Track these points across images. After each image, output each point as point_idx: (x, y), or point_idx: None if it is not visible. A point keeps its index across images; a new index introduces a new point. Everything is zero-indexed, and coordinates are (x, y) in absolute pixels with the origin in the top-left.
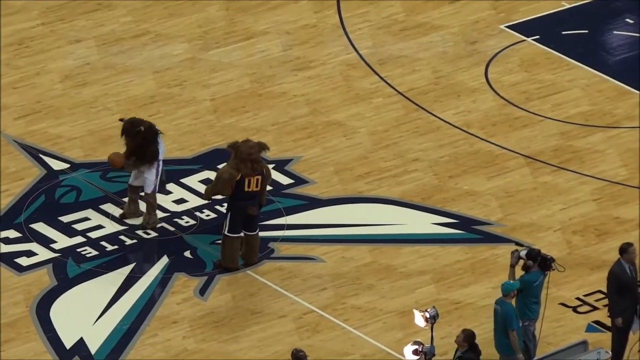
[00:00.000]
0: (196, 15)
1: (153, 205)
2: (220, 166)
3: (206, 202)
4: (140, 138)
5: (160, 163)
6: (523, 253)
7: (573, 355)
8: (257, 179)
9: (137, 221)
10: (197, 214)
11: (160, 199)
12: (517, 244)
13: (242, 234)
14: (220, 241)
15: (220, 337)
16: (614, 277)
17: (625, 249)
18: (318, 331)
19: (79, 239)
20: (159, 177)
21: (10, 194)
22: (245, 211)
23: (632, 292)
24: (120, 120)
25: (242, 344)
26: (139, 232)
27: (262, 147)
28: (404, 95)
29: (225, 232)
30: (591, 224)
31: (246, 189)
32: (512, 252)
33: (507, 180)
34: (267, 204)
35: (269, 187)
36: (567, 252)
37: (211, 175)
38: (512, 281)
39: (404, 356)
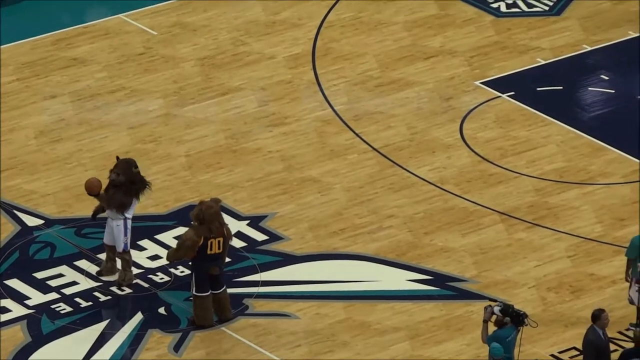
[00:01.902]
0: (171, 71)
1: (128, 262)
2: (183, 230)
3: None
4: (133, 177)
5: (129, 222)
6: (497, 309)
7: None
8: (219, 241)
9: (113, 278)
10: (172, 270)
11: (135, 255)
12: (491, 300)
13: (210, 293)
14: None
15: None
16: (590, 345)
17: (597, 316)
18: None
19: (53, 295)
20: (128, 234)
21: None
22: (208, 272)
23: (608, 357)
24: (117, 158)
25: None
26: (113, 288)
27: (218, 202)
28: (378, 152)
29: (194, 293)
30: (566, 280)
31: (209, 251)
32: (486, 308)
33: (481, 237)
34: (242, 261)
35: (243, 244)
36: (541, 308)
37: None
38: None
39: None
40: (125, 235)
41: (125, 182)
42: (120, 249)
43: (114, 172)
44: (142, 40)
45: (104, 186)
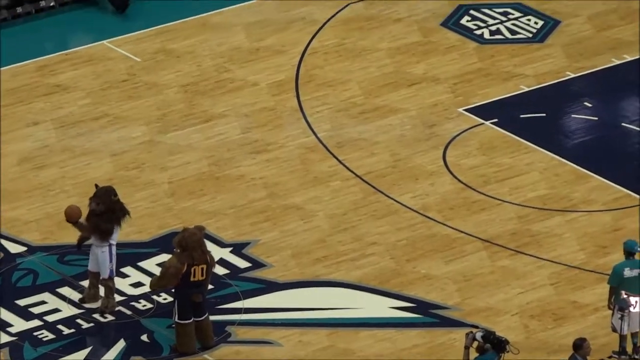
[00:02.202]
0: (154, 97)
1: (112, 289)
2: (166, 257)
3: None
4: (113, 206)
5: (114, 248)
6: (478, 335)
7: None
8: (203, 268)
9: (96, 305)
10: (154, 297)
11: (118, 283)
12: (473, 326)
13: (192, 320)
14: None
15: None
16: None
17: (579, 345)
18: None
19: (36, 323)
20: (113, 261)
21: None
22: (191, 299)
23: None
24: (95, 186)
25: None
26: (96, 315)
27: (201, 229)
28: (362, 179)
29: (176, 320)
30: (548, 308)
31: (192, 279)
32: (467, 334)
33: (464, 264)
34: (225, 288)
35: (226, 271)
36: (524, 336)
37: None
38: None
39: None
40: (111, 261)
41: (106, 211)
42: (105, 275)
43: (93, 201)
44: (125, 66)
45: (84, 214)
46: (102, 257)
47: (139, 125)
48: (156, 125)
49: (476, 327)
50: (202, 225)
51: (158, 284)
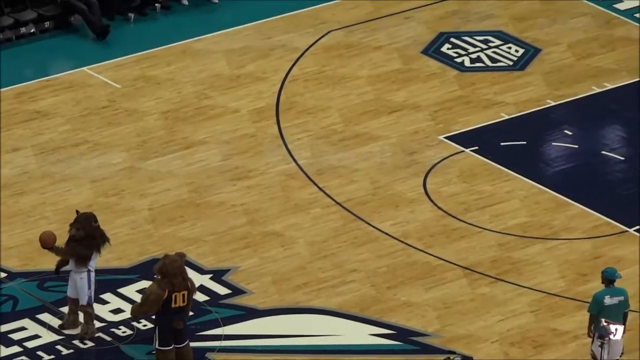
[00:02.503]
0: (134, 124)
1: (91, 316)
2: (147, 284)
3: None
4: (93, 232)
5: (92, 274)
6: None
7: None
8: (184, 294)
9: (75, 331)
10: (134, 323)
11: (98, 309)
12: (450, 352)
13: (173, 346)
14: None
15: None
16: None
17: None
18: None
19: (16, 349)
20: (92, 287)
21: None
22: (171, 325)
23: None
24: (76, 212)
25: None
26: (76, 342)
27: (182, 256)
28: (342, 206)
29: (157, 347)
30: (529, 335)
31: (173, 305)
32: None
33: (444, 292)
34: (205, 314)
35: (206, 297)
36: None
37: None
38: None
39: None
40: (89, 287)
41: (85, 237)
42: (84, 301)
43: (73, 227)
44: (105, 93)
45: (65, 239)
46: (80, 283)
47: (119, 151)
48: (136, 152)
49: (454, 353)
50: (183, 252)
51: (139, 311)
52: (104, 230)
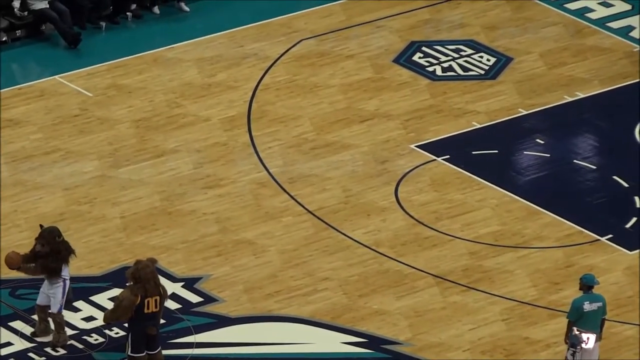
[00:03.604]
0: (106, 132)
1: (61, 324)
2: (118, 292)
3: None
4: (58, 247)
5: (67, 282)
6: None
7: None
8: (156, 300)
9: (48, 339)
10: (106, 331)
11: (69, 317)
12: None
13: (145, 353)
14: None
15: None
16: None
17: None
18: None
19: None
20: (65, 296)
21: None
22: (145, 331)
23: None
24: (40, 226)
25: None
26: (48, 349)
27: (154, 262)
28: (313, 214)
29: (129, 353)
30: (500, 344)
31: (146, 310)
32: None
33: (416, 300)
34: (177, 322)
35: (178, 305)
36: None
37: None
38: None
39: None
40: (63, 296)
41: (51, 252)
42: (55, 309)
43: (38, 243)
44: (77, 101)
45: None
46: (56, 291)
47: (91, 160)
48: (108, 160)
49: None
50: (154, 258)
51: (111, 317)
52: (68, 242)
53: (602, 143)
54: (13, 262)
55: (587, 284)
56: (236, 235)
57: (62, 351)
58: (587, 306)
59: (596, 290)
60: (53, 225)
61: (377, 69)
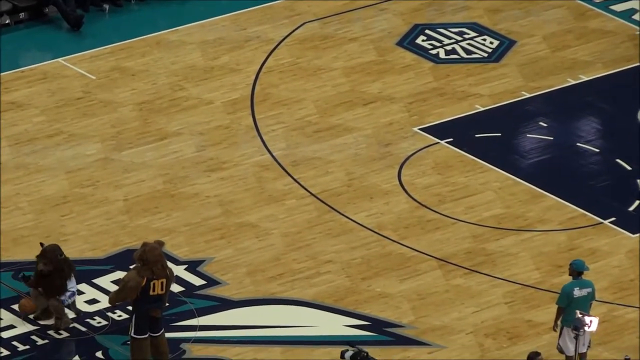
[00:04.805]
0: (109, 115)
1: (60, 309)
2: (122, 275)
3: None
4: (61, 265)
5: (75, 293)
6: (347, 354)
7: None
8: (162, 282)
9: (50, 322)
10: (109, 314)
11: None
12: (349, 344)
13: (148, 335)
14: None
15: None
16: None
17: (533, 359)
18: None
19: None
20: (72, 301)
21: None
22: (149, 313)
23: None
24: (41, 244)
25: None
26: (51, 332)
27: (161, 244)
28: (316, 197)
29: (132, 335)
30: (503, 327)
31: (151, 292)
32: (342, 352)
33: (419, 283)
34: (180, 305)
35: (181, 288)
36: (479, 355)
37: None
38: None
39: None
40: (72, 297)
41: (54, 270)
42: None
43: (41, 262)
44: (80, 84)
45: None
46: (65, 298)
47: (94, 142)
48: (111, 143)
49: (353, 345)
50: (162, 240)
51: (117, 297)
52: (69, 258)
53: (605, 126)
54: (28, 308)
55: (576, 270)
56: (239, 218)
57: (65, 334)
58: (577, 292)
59: (598, 274)
60: (54, 243)
61: (381, 52)
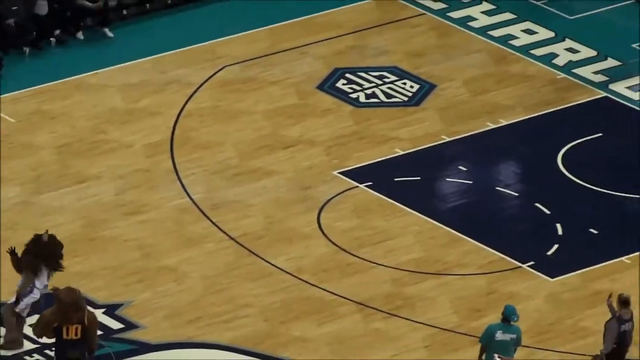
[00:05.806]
0: (29, 158)
1: (13, 323)
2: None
3: (35, 346)
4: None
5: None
6: None
7: None
8: (77, 328)
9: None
10: (27, 358)
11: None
12: None
13: None
14: None
15: None
16: None
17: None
18: None
19: None
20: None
21: None
22: (66, 356)
23: None
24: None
25: None
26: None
27: (77, 291)
28: (235, 241)
29: None
30: None
31: (64, 336)
32: None
33: (338, 327)
34: (98, 349)
35: (99, 332)
36: None
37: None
38: None
39: None
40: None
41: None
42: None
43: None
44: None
45: None
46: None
47: (14, 185)
48: (31, 186)
49: None
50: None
51: (34, 332)
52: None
53: (524, 170)
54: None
55: (506, 317)
56: (158, 261)
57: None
58: (499, 335)
59: (520, 313)
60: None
61: (301, 95)
